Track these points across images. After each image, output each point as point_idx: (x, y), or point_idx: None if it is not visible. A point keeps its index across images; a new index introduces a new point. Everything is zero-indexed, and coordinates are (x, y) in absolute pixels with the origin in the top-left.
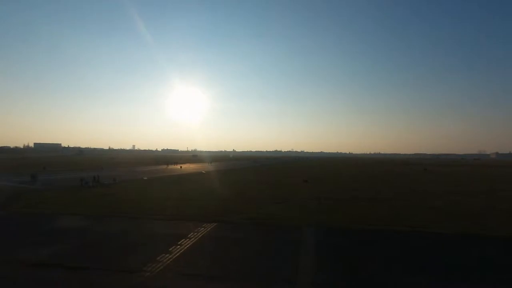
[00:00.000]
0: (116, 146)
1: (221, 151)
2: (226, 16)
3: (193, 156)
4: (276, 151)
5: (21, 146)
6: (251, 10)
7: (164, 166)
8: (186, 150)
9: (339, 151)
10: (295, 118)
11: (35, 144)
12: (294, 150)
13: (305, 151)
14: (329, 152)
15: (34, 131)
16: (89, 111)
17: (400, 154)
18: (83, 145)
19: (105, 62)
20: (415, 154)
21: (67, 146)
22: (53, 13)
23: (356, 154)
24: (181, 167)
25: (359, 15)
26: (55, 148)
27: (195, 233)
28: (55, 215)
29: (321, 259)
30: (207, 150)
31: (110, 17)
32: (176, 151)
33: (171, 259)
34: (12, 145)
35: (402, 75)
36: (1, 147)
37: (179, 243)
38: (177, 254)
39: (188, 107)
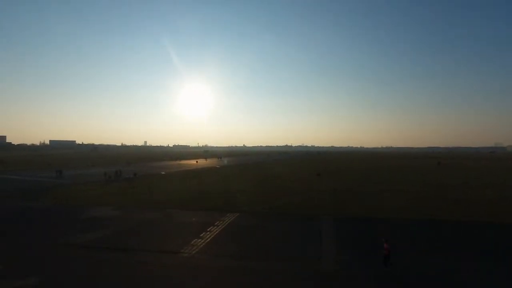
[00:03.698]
0: (128, 142)
1: (231, 146)
2: (235, 13)
3: (205, 152)
4: (286, 145)
5: (38, 144)
6: (261, 6)
7: (178, 162)
8: (197, 145)
9: (350, 146)
10: (306, 112)
11: (50, 141)
12: (304, 145)
13: (315, 145)
14: (339, 147)
15: (49, 129)
16: (101, 108)
17: (413, 148)
18: (96, 141)
19: (116, 61)
20: (428, 147)
21: (81, 143)
22: (66, 13)
23: (367, 148)
24: (197, 162)
25: (372, 11)
26: (70, 145)
27: (221, 222)
28: (90, 206)
29: (335, 244)
30: (217, 145)
31: (121, 17)
32: (187, 146)
33: (203, 243)
34: (28, 142)
35: (414, 68)
36: (19, 144)
37: (208, 230)
38: (208, 239)
39: (198, 103)
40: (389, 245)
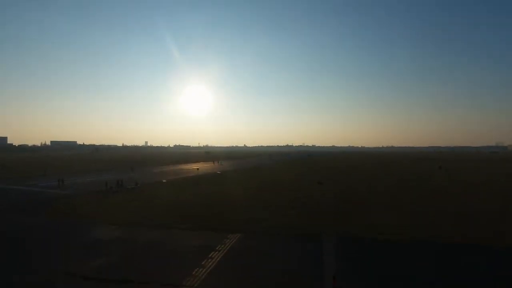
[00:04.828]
0: (129, 142)
1: (232, 146)
2: (235, 14)
3: (206, 153)
4: (287, 145)
5: (39, 144)
6: (264, 6)
7: (179, 166)
8: (198, 145)
9: (351, 145)
10: (306, 112)
11: (51, 142)
12: (305, 145)
13: (316, 145)
14: (340, 146)
15: (49, 129)
16: (102, 108)
17: (414, 147)
18: (97, 142)
19: (117, 61)
20: (429, 147)
21: (82, 143)
22: (66, 13)
23: (369, 147)
24: (198, 169)
25: (373, 10)
26: (72, 146)
27: (222, 246)
28: (91, 224)
29: (341, 265)
30: (218, 145)
31: (122, 17)
32: (188, 147)
33: (205, 273)
34: (29, 143)
35: (415, 68)
36: (20, 145)
37: (209, 256)
38: (210, 268)
39: (199, 103)
40: (337, 281)
